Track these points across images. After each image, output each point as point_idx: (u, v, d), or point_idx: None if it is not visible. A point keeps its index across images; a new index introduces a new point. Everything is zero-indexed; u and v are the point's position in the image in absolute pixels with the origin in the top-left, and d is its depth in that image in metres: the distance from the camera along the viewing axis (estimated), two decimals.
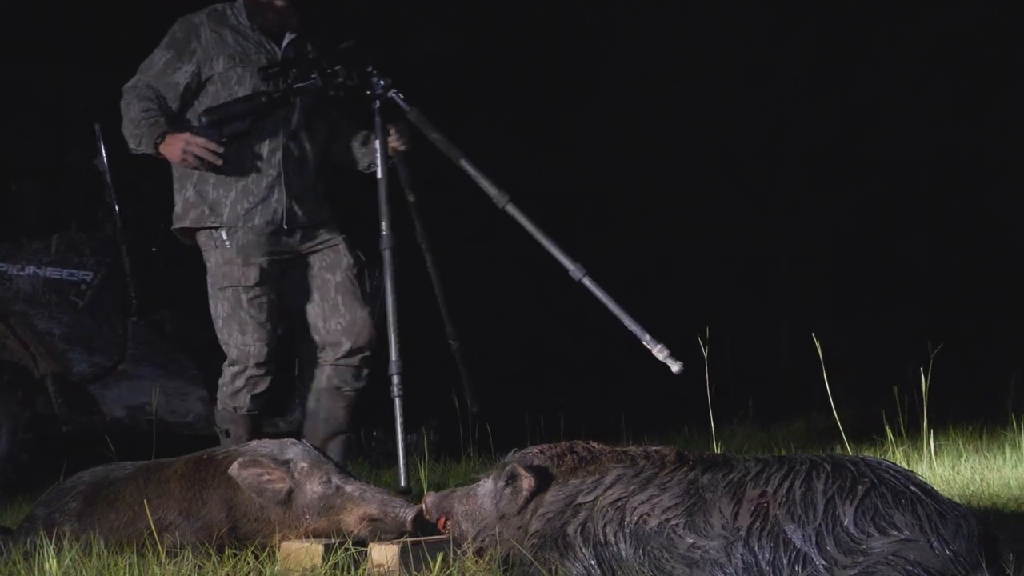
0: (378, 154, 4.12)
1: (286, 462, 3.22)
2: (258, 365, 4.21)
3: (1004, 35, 11.33)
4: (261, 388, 4.25)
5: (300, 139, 4.22)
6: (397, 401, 3.98)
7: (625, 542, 2.69)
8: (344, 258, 4.29)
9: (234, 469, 3.18)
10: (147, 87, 4.21)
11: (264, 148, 4.16)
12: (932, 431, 4.77)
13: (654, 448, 2.91)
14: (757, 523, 2.56)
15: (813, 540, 2.49)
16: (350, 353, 4.27)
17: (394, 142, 4.22)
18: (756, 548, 2.53)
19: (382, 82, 4.09)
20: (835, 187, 12.37)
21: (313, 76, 4.09)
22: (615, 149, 11.31)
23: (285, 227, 4.18)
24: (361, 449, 6.75)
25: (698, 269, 11.65)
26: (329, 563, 2.98)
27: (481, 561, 2.90)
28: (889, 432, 4.84)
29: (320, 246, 4.29)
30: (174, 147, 4.07)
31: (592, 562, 2.71)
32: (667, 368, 3.81)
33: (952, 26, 11.50)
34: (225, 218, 4.16)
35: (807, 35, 11.87)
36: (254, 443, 3.36)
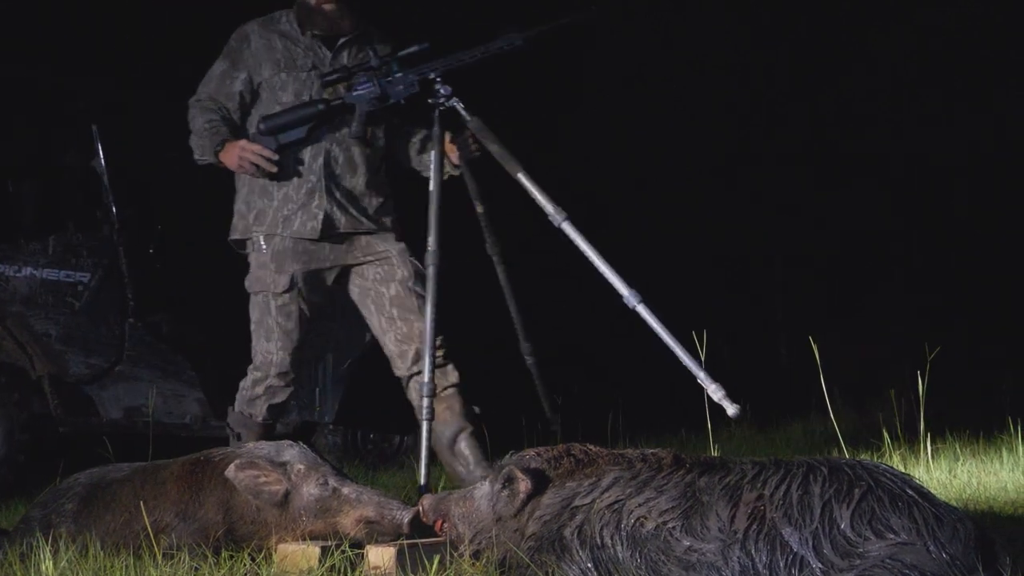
0: (433, 164, 3.99)
1: (283, 464, 3.22)
2: (279, 375, 4.19)
3: (1000, 32, 11.34)
4: (279, 399, 4.22)
5: (347, 146, 4.16)
6: (425, 425, 3.88)
7: (622, 545, 2.69)
8: (399, 269, 4.20)
9: (231, 471, 3.18)
10: (209, 99, 4.23)
11: (306, 154, 4.13)
12: (929, 435, 4.77)
13: (651, 451, 2.91)
14: (754, 526, 2.56)
15: (810, 543, 2.49)
16: (416, 362, 4.16)
17: (459, 151, 4.13)
18: (753, 551, 2.53)
19: (443, 90, 3.99)
20: (831, 187, 12.37)
21: (373, 82, 4.02)
22: (610, 148, 11.31)
23: (319, 237, 4.14)
24: (357, 451, 6.75)
25: (694, 270, 11.65)
26: (326, 565, 2.98)
27: (478, 564, 2.91)
28: (886, 435, 4.84)
29: (372, 258, 4.23)
30: (231, 154, 4.08)
31: (589, 565, 2.71)
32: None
33: (947, 24, 11.51)
34: (266, 225, 4.17)
35: (801, 34, 11.87)
36: (251, 445, 3.36)
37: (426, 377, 3.88)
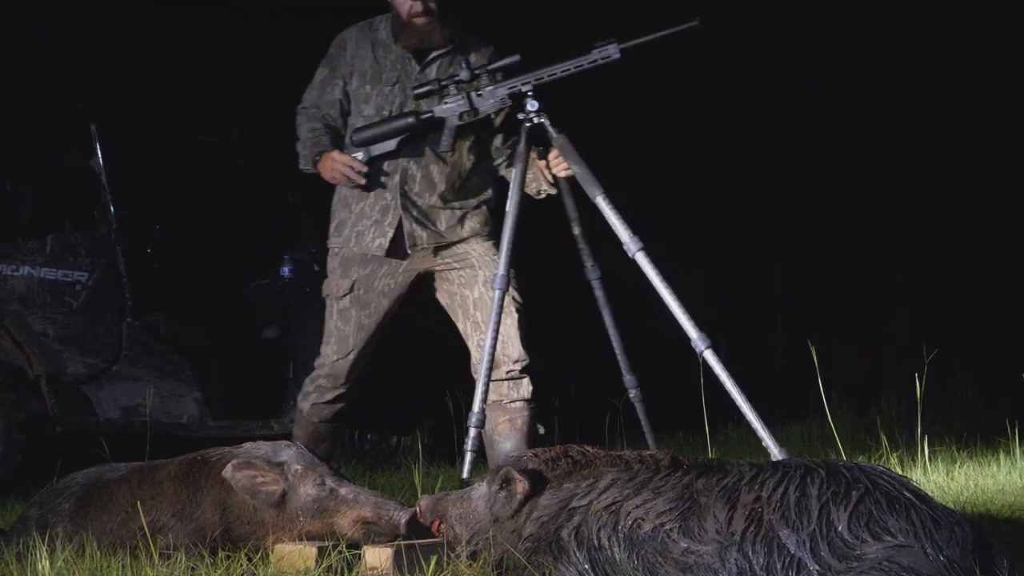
0: (513, 182, 3.90)
1: (280, 464, 3.21)
2: (328, 376, 4.25)
3: (1005, 33, 11.32)
4: (325, 399, 4.27)
5: (424, 163, 4.14)
6: (468, 456, 3.84)
7: (619, 546, 2.69)
8: (480, 271, 4.17)
9: (228, 471, 3.17)
10: (313, 106, 4.26)
11: (385, 170, 4.14)
12: (927, 437, 4.77)
13: (649, 452, 2.91)
14: (751, 528, 2.56)
15: (807, 545, 2.49)
16: (497, 366, 4.13)
17: (557, 168, 4.04)
18: (750, 553, 2.53)
19: (532, 105, 3.90)
20: (833, 188, 12.37)
21: (463, 95, 3.97)
22: (614, 149, 11.31)
23: (385, 254, 4.15)
24: (355, 452, 6.75)
25: (692, 271, 11.65)
26: (323, 566, 2.98)
27: (475, 565, 2.90)
28: (884, 438, 4.84)
29: (453, 261, 4.22)
30: (325, 164, 4.10)
31: (586, 566, 2.71)
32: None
33: (952, 25, 11.50)
34: (341, 237, 4.22)
35: (806, 34, 11.86)
36: (248, 445, 3.36)
37: (476, 406, 3.84)
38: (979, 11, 11.40)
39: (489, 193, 4.28)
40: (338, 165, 4.06)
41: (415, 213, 4.14)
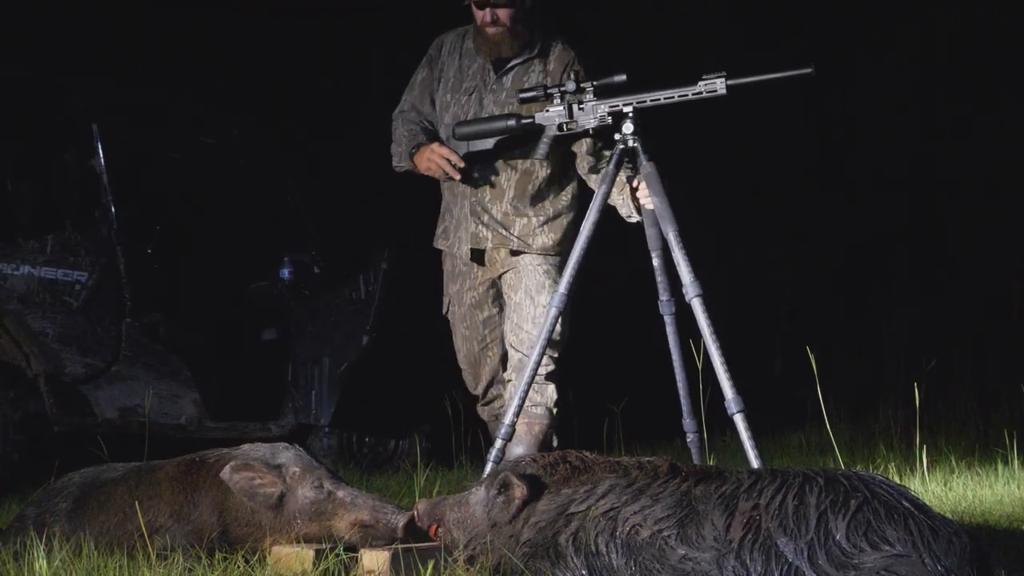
0: (596, 200, 3.85)
1: (278, 466, 3.21)
2: (473, 390, 4.42)
3: (1007, 38, 11.33)
4: (494, 405, 4.40)
5: (495, 170, 4.18)
6: (490, 466, 3.79)
7: (617, 552, 2.69)
8: (524, 279, 4.21)
9: (226, 472, 3.17)
10: (412, 109, 4.31)
11: (466, 175, 4.19)
12: (925, 446, 4.77)
13: (647, 459, 2.90)
14: (749, 536, 2.55)
15: (805, 554, 2.49)
16: (512, 369, 4.17)
17: (643, 197, 3.98)
18: (748, 561, 2.52)
19: (627, 127, 3.85)
20: (831, 195, 12.38)
21: (564, 106, 3.93)
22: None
23: (470, 258, 4.23)
24: (352, 454, 6.74)
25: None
26: (320, 568, 2.98)
27: (472, 569, 2.90)
28: (882, 447, 4.84)
29: (508, 267, 4.26)
30: (422, 155, 4.13)
31: (583, 572, 2.71)
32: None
33: (952, 28, 11.51)
34: (439, 239, 4.36)
35: (803, 38, 11.87)
36: (246, 447, 3.35)
37: (508, 418, 3.83)
38: (979, 13, 11.40)
39: (566, 203, 4.28)
40: (436, 157, 4.09)
41: (486, 219, 4.20)
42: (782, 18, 11.70)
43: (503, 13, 4.12)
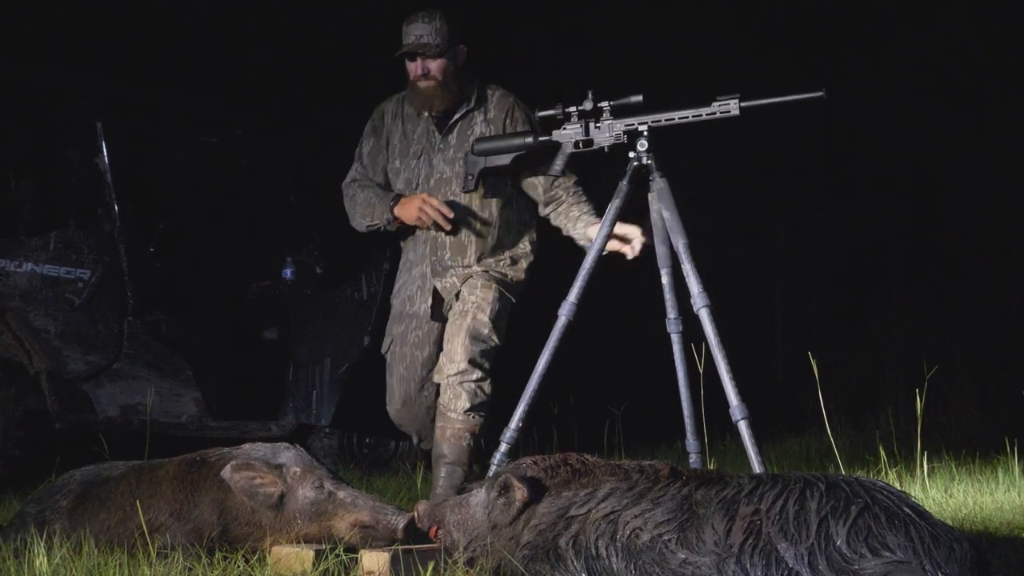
0: (608, 215, 3.89)
1: (279, 466, 3.21)
2: (401, 423, 4.51)
3: (1003, 47, 11.34)
4: (418, 439, 4.53)
5: (460, 223, 4.24)
6: (493, 470, 3.82)
7: (617, 556, 2.69)
8: (474, 290, 4.27)
9: (226, 472, 3.17)
10: (364, 177, 4.37)
11: (420, 237, 4.30)
12: (925, 453, 4.77)
13: (648, 462, 2.90)
14: (750, 540, 2.55)
15: (805, 559, 2.48)
16: (446, 375, 4.21)
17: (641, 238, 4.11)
18: (748, 565, 2.52)
19: (643, 145, 3.88)
20: (833, 201, 12.38)
21: (581, 124, 3.98)
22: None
23: (424, 316, 4.31)
24: (353, 455, 6.74)
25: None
26: (319, 569, 2.98)
27: (472, 571, 2.90)
28: (883, 453, 4.83)
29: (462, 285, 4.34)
30: (410, 206, 4.18)
31: (583, 575, 2.71)
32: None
33: (952, 37, 11.52)
34: (394, 297, 4.48)
35: (804, 45, 11.87)
36: (247, 446, 3.36)
37: (513, 423, 3.84)
38: (979, 22, 11.41)
39: (525, 250, 4.36)
40: (428, 208, 4.14)
41: (448, 275, 4.27)
42: (785, 22, 11.71)
43: (433, 65, 4.20)
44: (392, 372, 4.37)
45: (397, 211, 4.20)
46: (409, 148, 4.31)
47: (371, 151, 4.38)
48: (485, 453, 4.08)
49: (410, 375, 4.33)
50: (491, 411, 4.24)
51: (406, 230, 4.31)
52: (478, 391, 4.16)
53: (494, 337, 4.21)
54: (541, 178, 4.28)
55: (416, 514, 3.11)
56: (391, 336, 4.38)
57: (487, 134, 4.17)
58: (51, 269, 5.87)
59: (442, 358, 4.23)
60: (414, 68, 4.22)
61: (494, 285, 4.25)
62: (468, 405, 4.15)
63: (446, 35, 4.20)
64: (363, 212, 4.30)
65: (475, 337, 4.17)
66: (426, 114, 4.29)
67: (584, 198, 4.30)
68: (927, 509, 2.59)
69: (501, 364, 4.37)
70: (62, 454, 4.71)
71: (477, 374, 4.16)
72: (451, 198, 4.24)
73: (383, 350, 4.41)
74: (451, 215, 4.14)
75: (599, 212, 4.09)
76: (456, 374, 4.14)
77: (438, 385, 4.26)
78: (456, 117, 4.27)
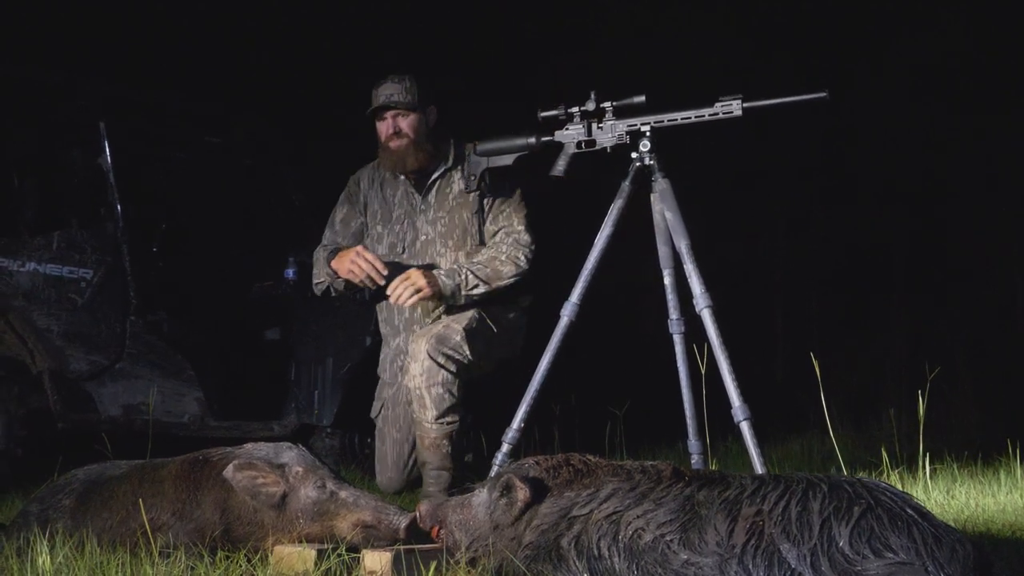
0: (611, 216, 3.91)
1: (281, 466, 3.21)
2: (387, 484, 4.54)
3: (1005, 49, 11.34)
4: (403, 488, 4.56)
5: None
6: (503, 450, 3.86)
7: (619, 556, 2.69)
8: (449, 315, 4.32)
9: (229, 471, 3.17)
10: (333, 243, 4.41)
11: (394, 308, 4.37)
12: (927, 454, 4.77)
13: (650, 463, 2.90)
14: (752, 541, 2.55)
15: (808, 560, 2.49)
16: (411, 376, 4.23)
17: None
18: (750, 566, 2.52)
19: (646, 145, 3.91)
20: (834, 202, 12.38)
21: (583, 124, 3.99)
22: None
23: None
24: (355, 455, 6.74)
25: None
26: (322, 568, 2.98)
27: (473, 571, 2.90)
28: (884, 454, 4.83)
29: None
30: (344, 259, 4.20)
31: (585, 575, 2.71)
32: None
33: (954, 39, 11.52)
34: (383, 370, 4.59)
35: (805, 47, 11.87)
36: (249, 446, 3.36)
37: (515, 424, 3.86)
38: (980, 23, 11.41)
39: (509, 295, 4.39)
40: (360, 260, 4.14)
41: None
42: (786, 23, 11.71)
43: (405, 123, 4.23)
44: (384, 438, 4.37)
45: (334, 264, 4.20)
46: (392, 212, 4.31)
47: (344, 218, 4.40)
48: (486, 454, 4.09)
49: (402, 437, 4.34)
50: (468, 409, 4.24)
51: (379, 295, 4.29)
52: (445, 395, 4.12)
53: (465, 348, 4.15)
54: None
55: (418, 514, 3.11)
56: (381, 400, 4.39)
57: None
58: (54, 269, 5.87)
59: (408, 360, 4.21)
60: (385, 128, 4.25)
61: (477, 311, 4.26)
62: (436, 413, 4.13)
63: (416, 94, 4.24)
64: (315, 273, 4.34)
65: (442, 339, 4.14)
66: (402, 177, 4.28)
67: (493, 253, 4.28)
68: (929, 510, 2.59)
69: (501, 365, 4.37)
70: (65, 453, 4.71)
71: (442, 374, 4.12)
72: (437, 259, 4.26)
73: (373, 415, 4.42)
74: (385, 271, 4.12)
75: (596, 223, 4.05)
76: (420, 374, 4.11)
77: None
78: (435, 176, 4.29)
